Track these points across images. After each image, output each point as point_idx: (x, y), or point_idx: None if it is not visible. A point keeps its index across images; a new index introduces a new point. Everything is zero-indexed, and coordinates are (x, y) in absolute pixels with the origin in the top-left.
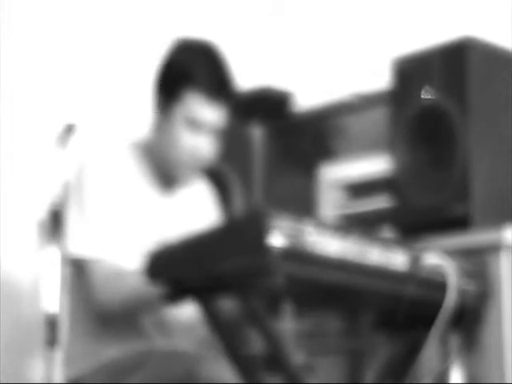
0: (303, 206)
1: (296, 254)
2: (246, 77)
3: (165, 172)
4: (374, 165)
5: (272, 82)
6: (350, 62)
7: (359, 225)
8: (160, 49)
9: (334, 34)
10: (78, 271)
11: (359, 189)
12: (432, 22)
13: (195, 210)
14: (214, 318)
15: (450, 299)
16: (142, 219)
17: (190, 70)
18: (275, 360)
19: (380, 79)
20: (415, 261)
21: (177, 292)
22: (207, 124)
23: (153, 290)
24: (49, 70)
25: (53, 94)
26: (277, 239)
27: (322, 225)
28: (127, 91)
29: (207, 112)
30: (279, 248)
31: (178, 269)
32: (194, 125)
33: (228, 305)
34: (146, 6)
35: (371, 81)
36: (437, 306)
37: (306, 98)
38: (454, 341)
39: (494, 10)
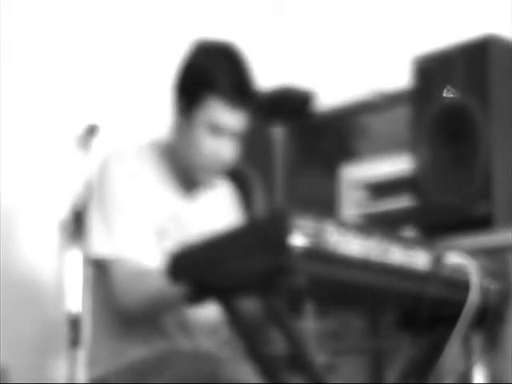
0: (325, 205)
1: (318, 254)
2: (264, 76)
3: (186, 174)
4: (396, 164)
5: (292, 81)
6: (370, 61)
7: (381, 224)
8: (170, 48)
9: (355, 33)
10: (100, 272)
11: (381, 188)
12: (453, 19)
13: (218, 212)
14: (235, 318)
15: (473, 298)
16: (163, 220)
17: (211, 75)
18: (297, 360)
19: (401, 77)
20: (437, 260)
21: (199, 292)
22: (230, 129)
23: (175, 290)
24: (71, 71)
25: (75, 95)
26: (298, 239)
27: (343, 224)
28: (148, 92)
29: (230, 117)
30: (301, 248)
31: (200, 269)
32: (217, 130)
33: (250, 305)
34: (159, 8)
35: (392, 79)
36: (459, 305)
37: (327, 96)
38: (477, 340)
39: None
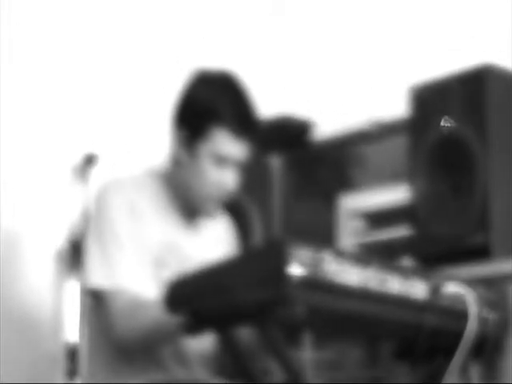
0: (323, 235)
1: (315, 284)
2: (262, 106)
3: (187, 203)
4: (394, 194)
5: (290, 110)
6: (367, 90)
7: (379, 254)
8: (167, 60)
9: (352, 63)
10: (98, 302)
11: (379, 218)
12: (450, 48)
13: (217, 243)
14: (233, 348)
15: (471, 328)
16: (162, 250)
17: (215, 107)
18: None
19: (398, 107)
20: (435, 290)
21: (196, 322)
22: (234, 158)
23: (172, 321)
24: (69, 102)
25: (73, 124)
26: (296, 268)
27: (341, 254)
28: (145, 121)
29: (235, 147)
30: (298, 277)
31: (197, 299)
32: (222, 160)
33: (247, 335)
34: (157, 19)
35: (389, 109)
36: (457, 335)
37: (325, 126)
38: (475, 370)
39: None
